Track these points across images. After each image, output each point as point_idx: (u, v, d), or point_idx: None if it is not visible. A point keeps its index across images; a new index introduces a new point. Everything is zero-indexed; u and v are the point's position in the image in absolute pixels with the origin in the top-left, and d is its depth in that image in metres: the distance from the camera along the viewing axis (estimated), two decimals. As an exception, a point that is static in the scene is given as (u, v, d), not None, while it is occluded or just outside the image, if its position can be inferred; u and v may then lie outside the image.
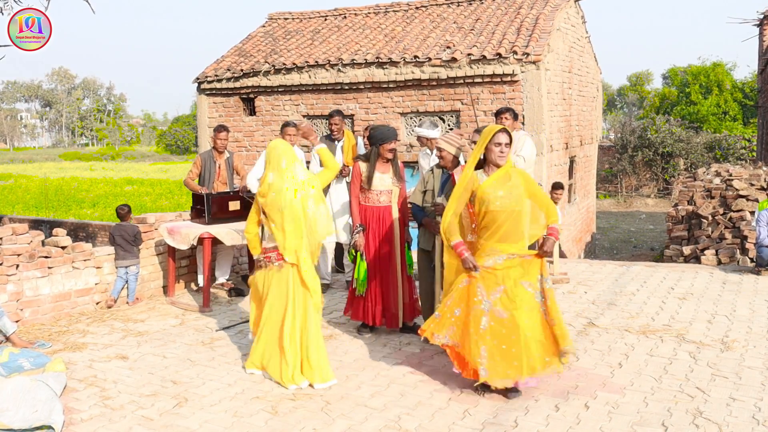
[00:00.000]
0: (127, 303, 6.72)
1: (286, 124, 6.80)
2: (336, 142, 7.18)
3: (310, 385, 4.53)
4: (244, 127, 13.11)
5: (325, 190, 7.14)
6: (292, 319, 4.63)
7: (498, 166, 4.26)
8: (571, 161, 13.79)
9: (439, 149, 5.15)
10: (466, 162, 4.90)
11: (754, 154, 24.23)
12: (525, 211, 4.26)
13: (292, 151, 4.81)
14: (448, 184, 5.12)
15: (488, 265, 4.21)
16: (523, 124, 10.67)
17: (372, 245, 5.51)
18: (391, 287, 5.51)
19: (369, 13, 14.88)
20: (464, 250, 4.27)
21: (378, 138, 5.49)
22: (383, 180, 5.47)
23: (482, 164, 4.34)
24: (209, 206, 6.76)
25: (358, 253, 5.45)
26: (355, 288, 5.52)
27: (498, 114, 6.32)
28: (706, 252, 9.47)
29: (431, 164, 6.52)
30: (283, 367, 4.58)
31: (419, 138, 6.62)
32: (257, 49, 13.77)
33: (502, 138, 4.21)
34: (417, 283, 5.67)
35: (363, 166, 5.52)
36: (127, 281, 6.71)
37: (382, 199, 5.48)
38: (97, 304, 6.60)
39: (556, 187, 10.12)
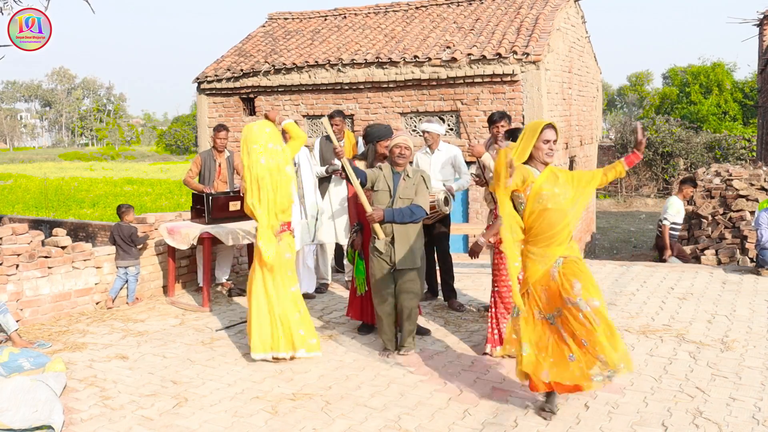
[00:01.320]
0: (127, 303, 6.72)
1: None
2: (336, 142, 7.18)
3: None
4: (244, 126, 13.12)
5: (324, 191, 7.16)
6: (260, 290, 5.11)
7: (546, 165, 3.99)
8: (571, 161, 13.79)
9: (406, 147, 5.07)
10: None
11: (754, 154, 24.23)
12: (574, 212, 3.99)
13: (262, 130, 5.15)
14: (400, 186, 5.01)
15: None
16: (522, 124, 10.67)
17: (370, 241, 5.50)
18: None
19: (369, 13, 14.87)
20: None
21: (374, 136, 5.52)
22: None
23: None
24: (209, 206, 6.76)
25: (356, 253, 5.45)
26: (356, 287, 5.52)
27: (492, 122, 5.77)
28: (706, 252, 9.47)
29: (431, 164, 6.53)
30: None
31: (424, 133, 6.59)
32: (257, 49, 13.77)
33: (550, 135, 3.98)
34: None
35: (361, 164, 5.54)
36: (126, 281, 6.71)
37: None
38: (97, 304, 6.60)
39: (686, 182, 9.49)
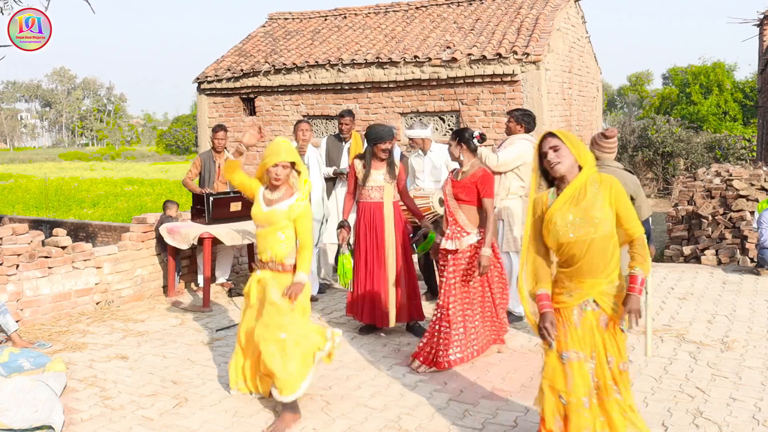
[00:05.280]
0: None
1: (299, 122, 6.81)
2: (344, 142, 7.18)
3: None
4: (244, 127, 13.11)
5: (329, 191, 7.16)
6: None
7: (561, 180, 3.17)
8: (571, 161, 13.77)
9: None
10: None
11: (754, 154, 24.23)
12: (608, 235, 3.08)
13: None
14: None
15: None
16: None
17: (363, 240, 5.52)
18: (382, 283, 5.47)
19: (369, 13, 14.87)
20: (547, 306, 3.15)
21: (372, 137, 5.50)
22: (375, 176, 5.51)
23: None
24: (209, 206, 6.76)
25: (339, 246, 5.48)
26: (344, 283, 5.53)
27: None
28: (706, 252, 9.47)
29: (425, 165, 6.54)
30: None
31: (411, 140, 6.61)
32: (257, 49, 13.77)
33: (552, 142, 3.14)
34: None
35: (359, 163, 5.58)
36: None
37: (373, 195, 5.50)
38: (98, 304, 6.60)
39: None
